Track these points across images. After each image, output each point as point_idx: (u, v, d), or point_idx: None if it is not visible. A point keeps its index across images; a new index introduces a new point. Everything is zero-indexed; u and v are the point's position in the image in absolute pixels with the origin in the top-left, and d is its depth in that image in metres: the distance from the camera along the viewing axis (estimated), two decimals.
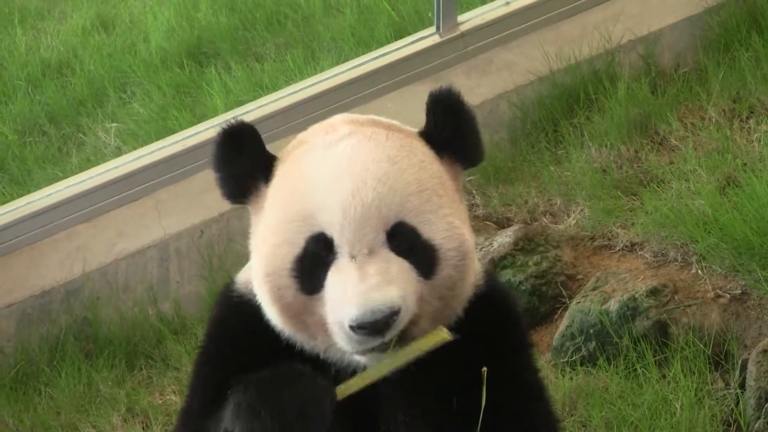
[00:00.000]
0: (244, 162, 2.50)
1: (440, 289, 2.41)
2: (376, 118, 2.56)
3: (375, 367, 2.37)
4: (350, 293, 2.31)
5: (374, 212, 2.35)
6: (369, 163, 2.39)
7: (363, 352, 2.37)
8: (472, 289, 2.49)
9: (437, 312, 2.42)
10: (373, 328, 2.30)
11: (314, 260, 2.38)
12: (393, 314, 2.30)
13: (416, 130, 2.55)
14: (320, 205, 2.37)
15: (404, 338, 2.35)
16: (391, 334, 2.33)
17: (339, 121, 2.53)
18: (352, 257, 2.34)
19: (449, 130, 2.51)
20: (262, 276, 2.44)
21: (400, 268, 2.35)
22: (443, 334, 2.36)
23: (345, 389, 2.34)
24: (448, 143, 2.51)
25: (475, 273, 2.50)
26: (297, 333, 2.46)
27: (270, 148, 2.54)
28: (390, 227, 2.36)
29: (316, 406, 2.26)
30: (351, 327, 2.31)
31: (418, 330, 2.38)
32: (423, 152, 2.48)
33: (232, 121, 2.51)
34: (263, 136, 2.54)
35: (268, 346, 2.48)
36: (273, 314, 2.45)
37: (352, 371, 2.43)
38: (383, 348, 2.35)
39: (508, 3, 5.66)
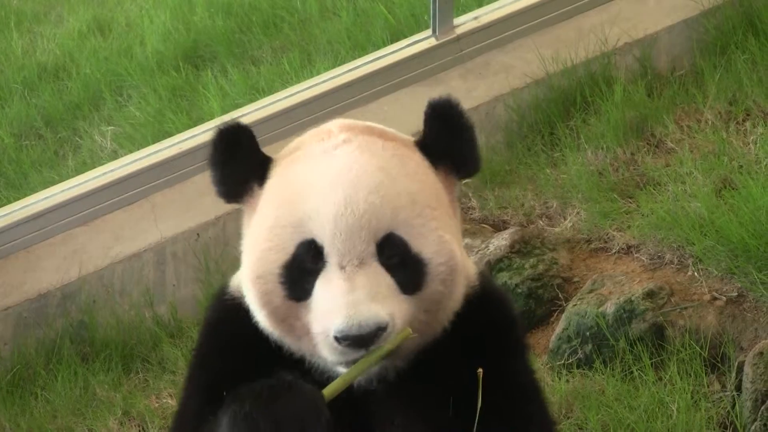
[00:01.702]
0: (239, 163, 2.50)
1: (427, 303, 2.40)
2: (373, 125, 2.54)
3: (352, 367, 2.35)
4: (338, 304, 2.30)
5: (365, 223, 2.34)
6: (362, 173, 2.38)
7: (346, 364, 2.36)
8: (459, 302, 2.47)
9: (423, 325, 2.41)
10: (358, 341, 2.30)
11: (303, 267, 2.38)
12: (379, 330, 2.30)
13: (413, 138, 2.54)
14: (312, 213, 2.36)
15: (393, 353, 2.35)
16: (375, 347, 2.32)
17: (336, 127, 2.51)
18: (342, 267, 2.34)
19: (445, 140, 2.49)
20: (251, 279, 2.44)
21: (388, 284, 2.34)
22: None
23: (329, 393, 2.33)
24: (444, 153, 2.49)
25: (463, 286, 2.47)
26: (284, 336, 2.45)
27: (266, 151, 2.54)
28: (380, 239, 2.36)
29: (314, 416, 2.25)
30: (336, 338, 2.31)
31: (404, 343, 2.38)
32: (417, 163, 2.46)
33: (229, 121, 2.51)
34: (259, 139, 2.53)
35: (260, 349, 2.48)
36: (261, 317, 2.45)
37: (336, 373, 2.42)
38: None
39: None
